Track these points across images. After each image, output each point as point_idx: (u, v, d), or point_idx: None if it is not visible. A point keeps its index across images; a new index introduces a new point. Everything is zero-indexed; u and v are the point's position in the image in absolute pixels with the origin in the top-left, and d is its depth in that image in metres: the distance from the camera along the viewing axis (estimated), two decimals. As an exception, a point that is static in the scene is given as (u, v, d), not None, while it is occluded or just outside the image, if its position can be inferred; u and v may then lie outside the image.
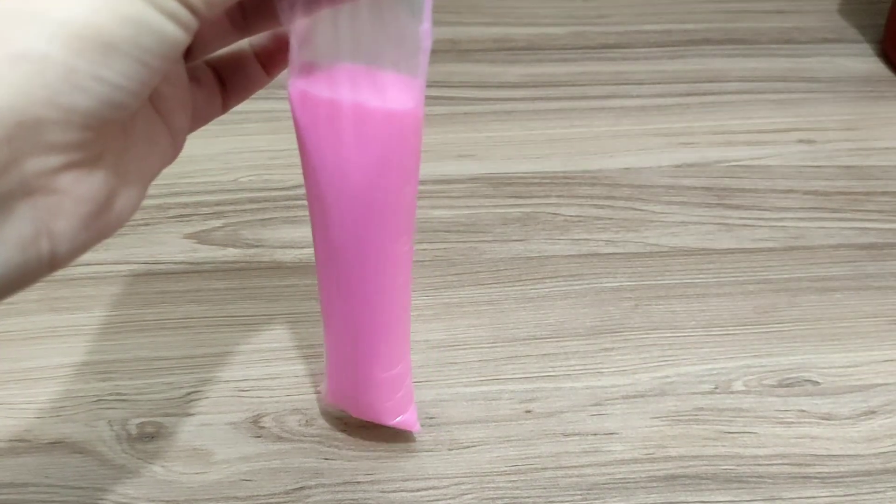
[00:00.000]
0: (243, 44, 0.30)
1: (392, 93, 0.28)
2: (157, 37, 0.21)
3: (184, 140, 0.29)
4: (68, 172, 0.22)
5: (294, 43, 0.28)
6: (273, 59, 0.31)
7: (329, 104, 0.28)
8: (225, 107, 0.31)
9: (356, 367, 0.36)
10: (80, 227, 0.23)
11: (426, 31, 0.27)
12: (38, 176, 0.21)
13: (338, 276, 0.33)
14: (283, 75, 0.31)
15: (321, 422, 0.41)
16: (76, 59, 0.20)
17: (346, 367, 0.37)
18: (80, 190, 0.22)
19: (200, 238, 0.51)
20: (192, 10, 0.22)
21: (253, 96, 0.32)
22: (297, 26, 0.27)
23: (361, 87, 0.28)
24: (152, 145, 0.27)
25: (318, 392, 0.41)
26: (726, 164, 0.57)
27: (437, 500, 0.38)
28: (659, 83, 0.65)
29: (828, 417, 0.42)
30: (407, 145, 0.29)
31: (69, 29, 0.20)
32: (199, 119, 0.30)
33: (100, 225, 0.24)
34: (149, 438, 0.40)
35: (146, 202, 0.53)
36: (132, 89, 0.21)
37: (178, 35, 0.22)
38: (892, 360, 0.45)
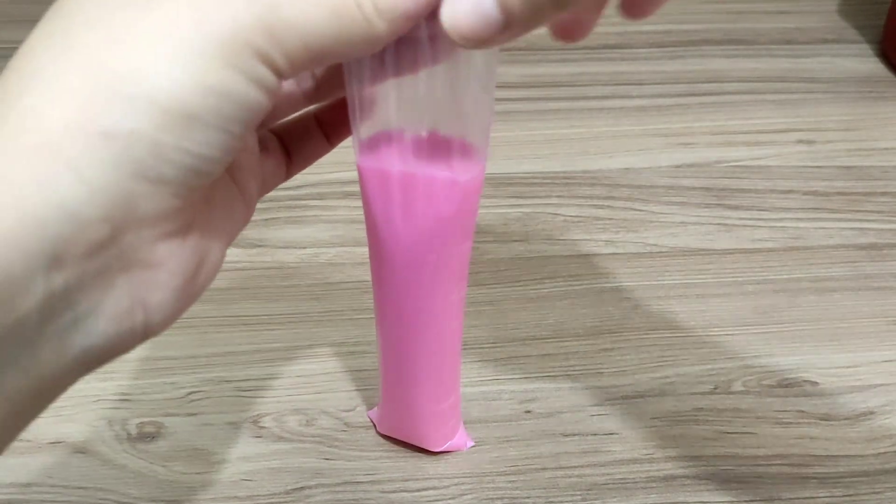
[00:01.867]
0: (307, 112, 0.30)
1: (459, 163, 0.29)
2: (240, 104, 0.21)
3: (255, 206, 0.29)
4: (162, 244, 0.22)
5: (358, 113, 0.28)
6: (336, 128, 0.31)
7: (399, 176, 0.29)
8: (288, 174, 0.31)
9: (412, 402, 0.37)
10: (174, 298, 0.24)
11: (491, 102, 0.28)
12: (135, 250, 0.22)
13: (398, 325, 0.34)
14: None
15: (321, 422, 0.41)
16: (161, 134, 0.20)
17: (402, 402, 0.38)
18: (173, 261, 0.23)
19: (201, 238, 0.51)
20: (277, 72, 0.21)
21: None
22: (364, 96, 0.27)
23: (429, 157, 0.29)
24: (231, 212, 0.27)
25: (372, 422, 0.41)
26: (726, 165, 0.58)
27: (437, 500, 0.38)
28: (659, 83, 0.65)
29: (827, 418, 0.42)
30: (470, 208, 0.31)
31: (155, 105, 0.20)
32: (267, 186, 0.30)
33: (190, 292, 0.25)
34: (149, 438, 0.40)
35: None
36: (216, 157, 0.22)
37: (261, 100, 0.22)
38: (891, 361, 0.45)
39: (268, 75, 0.21)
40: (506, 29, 0.22)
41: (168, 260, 0.23)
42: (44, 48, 0.21)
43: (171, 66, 0.20)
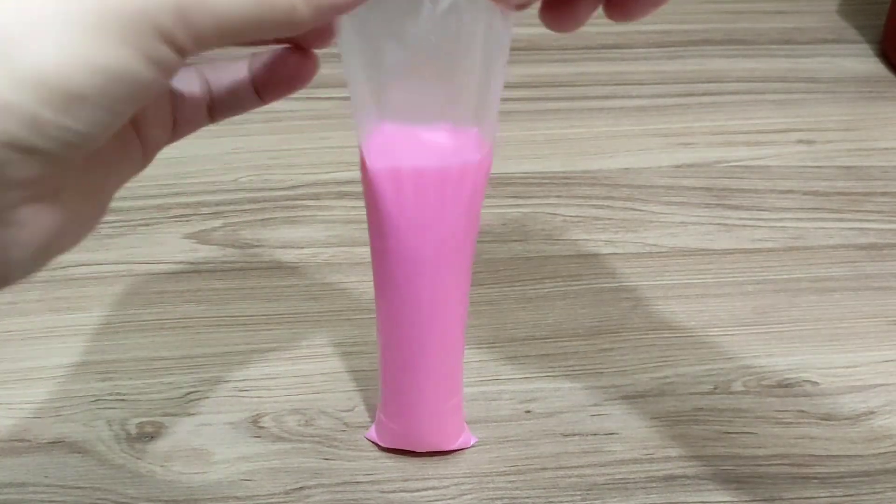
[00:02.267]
0: (239, 60, 0.28)
1: (470, 146, 0.29)
2: (132, 85, 0.20)
3: (157, 151, 0.27)
4: (27, 206, 0.21)
5: (364, 112, 0.28)
6: (271, 89, 0.28)
7: (411, 171, 0.29)
8: (212, 119, 0.29)
9: (422, 404, 0.37)
10: (35, 255, 0.22)
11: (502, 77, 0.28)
12: None
13: (407, 325, 0.34)
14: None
15: (321, 422, 0.41)
16: (41, 108, 0.19)
17: (410, 406, 0.37)
18: (37, 222, 0.22)
19: (200, 238, 0.51)
20: (180, 51, 0.20)
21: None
22: (374, 92, 0.27)
23: (440, 147, 0.29)
24: (121, 159, 0.25)
25: (371, 440, 0.40)
26: (726, 165, 0.57)
27: (437, 500, 0.38)
28: (658, 83, 0.65)
29: (827, 418, 0.42)
30: (480, 193, 0.31)
31: (37, 77, 0.19)
32: (181, 131, 0.28)
33: (55, 249, 0.23)
34: (148, 438, 0.40)
35: (146, 202, 0.53)
36: (97, 134, 0.20)
37: (157, 80, 0.20)
38: (891, 361, 0.45)
39: (168, 54, 0.20)
40: None
41: (31, 220, 0.21)
42: None
43: (59, 40, 0.19)
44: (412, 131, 0.29)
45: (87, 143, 0.21)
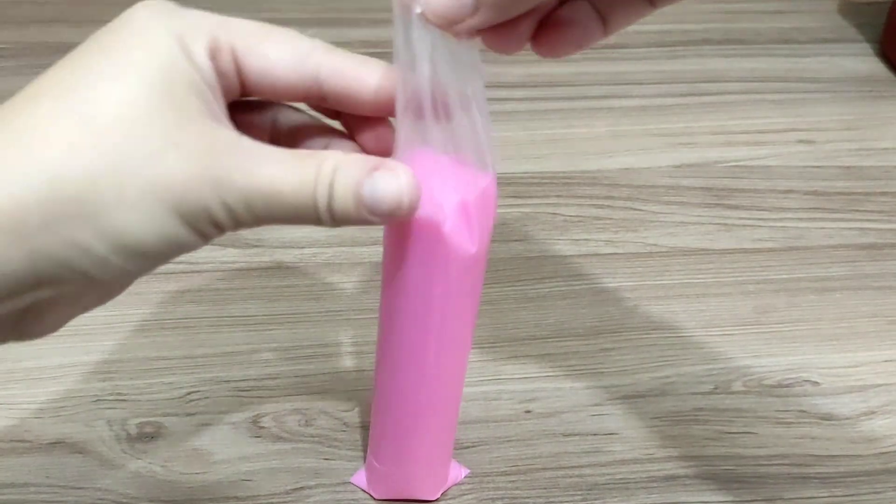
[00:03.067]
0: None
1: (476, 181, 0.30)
2: (181, 249, 0.25)
3: None
4: (62, 305, 0.26)
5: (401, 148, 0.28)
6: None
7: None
8: None
9: (419, 457, 0.36)
10: (50, 331, 0.27)
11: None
12: (43, 304, 0.25)
13: (414, 381, 0.33)
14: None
15: (321, 422, 0.41)
16: (112, 256, 0.23)
17: (408, 459, 0.36)
18: (58, 317, 0.27)
19: (200, 238, 0.50)
20: (220, 229, 0.25)
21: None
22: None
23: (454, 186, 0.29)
24: None
25: (354, 482, 0.39)
26: (726, 165, 0.57)
27: (437, 500, 0.38)
28: (658, 83, 0.65)
29: (828, 418, 0.42)
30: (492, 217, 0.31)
31: (119, 237, 0.23)
32: None
33: (69, 320, 0.27)
34: (148, 438, 0.40)
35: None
36: (140, 274, 0.26)
37: (197, 247, 0.25)
38: (891, 361, 0.45)
39: (213, 232, 0.25)
40: (475, 12, 0.24)
41: (52, 317, 0.26)
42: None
43: (144, 217, 0.23)
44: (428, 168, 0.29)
45: (129, 277, 0.26)
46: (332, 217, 0.25)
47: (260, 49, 0.26)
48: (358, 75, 0.26)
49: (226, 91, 0.26)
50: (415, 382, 0.33)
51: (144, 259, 0.24)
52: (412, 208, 0.26)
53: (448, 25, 0.25)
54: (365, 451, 0.40)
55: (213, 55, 0.25)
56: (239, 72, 0.26)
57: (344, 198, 0.25)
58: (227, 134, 0.25)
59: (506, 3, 0.25)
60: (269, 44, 0.26)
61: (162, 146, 0.23)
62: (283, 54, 0.26)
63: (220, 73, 0.25)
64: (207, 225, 0.24)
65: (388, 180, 0.25)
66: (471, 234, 0.29)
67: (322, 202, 0.25)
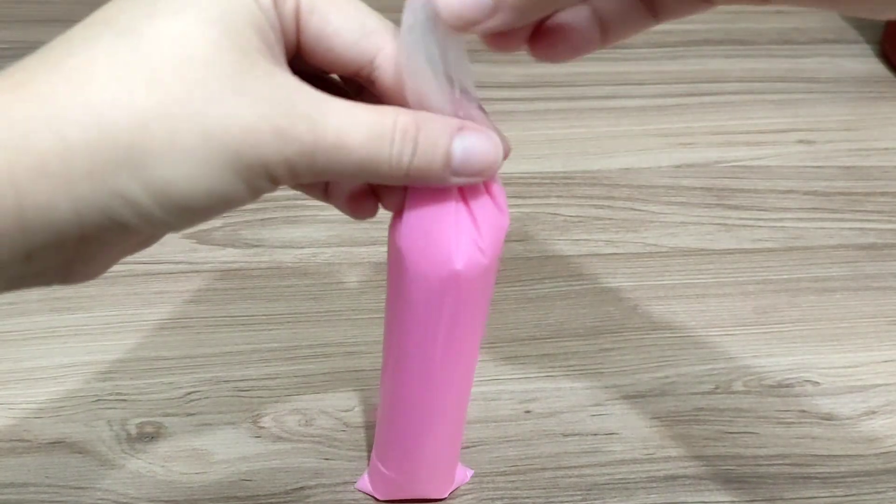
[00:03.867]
0: None
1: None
2: (230, 205, 0.23)
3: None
4: (100, 254, 0.24)
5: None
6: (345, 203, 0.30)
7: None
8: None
9: (428, 459, 0.36)
10: (95, 274, 0.26)
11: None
12: (88, 254, 0.24)
13: (422, 381, 0.33)
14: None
15: (321, 422, 0.41)
16: (156, 209, 0.22)
17: (415, 460, 0.36)
18: (104, 260, 0.25)
19: (200, 238, 0.50)
20: (276, 183, 0.23)
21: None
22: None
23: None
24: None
25: (359, 488, 0.38)
26: (726, 165, 0.57)
27: (437, 500, 0.38)
28: (659, 83, 0.65)
29: (828, 418, 0.42)
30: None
31: (164, 190, 0.22)
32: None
33: (114, 263, 0.26)
34: (148, 438, 0.40)
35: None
36: (184, 228, 0.24)
37: (248, 201, 0.23)
38: (891, 361, 0.45)
39: (268, 187, 0.23)
40: (493, 14, 0.23)
41: (99, 260, 0.25)
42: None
43: (193, 171, 0.21)
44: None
45: (172, 231, 0.24)
46: (406, 174, 0.24)
47: (324, 9, 0.24)
48: None
49: (284, 43, 0.24)
50: (422, 393, 0.33)
51: (191, 214, 0.23)
52: (497, 169, 0.25)
53: (464, 26, 0.23)
54: (367, 451, 0.40)
55: (277, 2, 0.23)
56: (298, 28, 0.24)
57: (429, 154, 0.24)
58: (291, 80, 0.23)
59: (527, 7, 0.23)
60: (335, 8, 0.24)
61: (221, 90, 0.21)
62: (345, 23, 0.24)
63: (282, 22, 0.23)
64: (262, 179, 0.23)
65: (482, 140, 0.25)
66: (482, 245, 0.28)
67: (402, 159, 0.23)
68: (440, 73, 0.25)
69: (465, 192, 0.27)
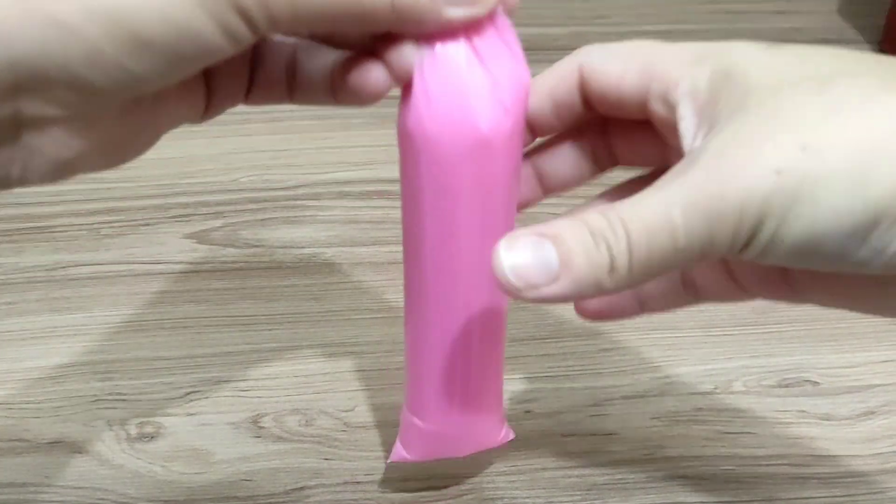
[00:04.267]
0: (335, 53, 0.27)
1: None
2: (198, 46, 0.21)
3: (223, 110, 0.27)
4: (61, 126, 0.22)
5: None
6: (343, 92, 0.26)
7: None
8: (291, 98, 0.28)
9: (477, 400, 0.33)
10: (55, 168, 0.23)
11: None
12: (33, 120, 0.21)
13: (460, 314, 0.30)
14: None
15: (321, 422, 0.41)
16: (106, 43, 0.20)
17: (464, 403, 0.33)
18: (64, 141, 0.22)
19: (200, 238, 0.51)
20: (253, 27, 0.21)
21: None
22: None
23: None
24: (179, 105, 0.25)
25: (395, 460, 0.36)
26: (726, 165, 0.57)
27: (437, 500, 0.38)
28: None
29: (827, 418, 0.42)
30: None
31: (110, 12, 0.19)
32: (255, 99, 0.27)
33: (80, 168, 0.23)
34: (148, 438, 0.40)
35: (147, 202, 0.53)
36: (153, 82, 0.21)
37: (224, 49, 0.21)
38: (890, 361, 0.45)
39: (241, 27, 0.21)
40: (553, 281, 0.21)
41: (59, 139, 0.22)
42: None
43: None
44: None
45: (139, 88, 0.21)
46: (393, 6, 0.22)
47: None
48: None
49: None
50: (456, 304, 0.30)
51: (151, 54, 0.20)
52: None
53: (524, 291, 0.22)
54: (367, 451, 0.40)
55: None
56: None
57: None
58: None
59: (583, 288, 0.22)
60: None
61: None
62: None
63: None
64: (231, 13, 0.20)
65: None
66: (505, 101, 0.26)
67: None
68: None
69: (477, 46, 0.25)
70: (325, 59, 0.26)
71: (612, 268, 0.21)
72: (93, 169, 0.24)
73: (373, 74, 0.25)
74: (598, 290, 0.22)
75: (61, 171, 0.23)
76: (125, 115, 0.23)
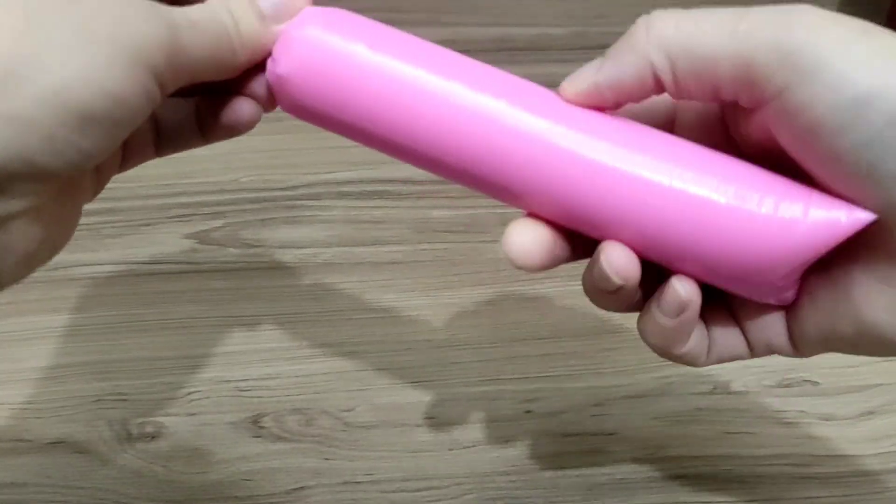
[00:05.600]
0: (185, 100, 0.30)
1: None
2: (130, 112, 0.23)
3: (107, 182, 0.29)
4: (23, 219, 0.23)
5: None
6: (214, 130, 0.29)
7: None
8: (158, 153, 0.30)
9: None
10: (21, 265, 0.24)
11: None
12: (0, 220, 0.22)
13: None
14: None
15: (321, 422, 0.41)
16: (59, 127, 0.21)
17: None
18: (26, 234, 0.23)
19: (200, 238, 0.51)
20: (163, 88, 0.24)
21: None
22: None
23: None
24: (78, 187, 0.27)
25: None
26: (726, 165, 0.57)
27: (437, 500, 0.38)
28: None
29: (827, 418, 0.42)
30: None
31: (58, 99, 0.21)
32: (129, 164, 0.30)
33: (36, 261, 0.25)
34: (149, 438, 0.40)
35: (146, 202, 0.53)
36: (97, 155, 0.23)
37: (145, 110, 0.23)
38: (890, 361, 0.45)
39: (156, 90, 0.23)
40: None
41: (22, 233, 0.23)
42: None
43: (80, 67, 0.21)
44: None
45: (87, 163, 0.23)
46: (242, 42, 0.25)
47: None
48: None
49: None
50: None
51: (96, 128, 0.22)
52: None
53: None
54: (367, 451, 0.40)
55: None
56: None
57: (247, 14, 0.25)
58: None
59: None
60: None
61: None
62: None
63: None
64: (151, 79, 0.23)
65: None
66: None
67: (238, 27, 0.25)
68: None
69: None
70: (182, 109, 0.29)
71: None
72: (43, 261, 0.25)
73: (245, 109, 0.28)
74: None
75: (29, 265, 0.24)
76: (61, 195, 0.25)
